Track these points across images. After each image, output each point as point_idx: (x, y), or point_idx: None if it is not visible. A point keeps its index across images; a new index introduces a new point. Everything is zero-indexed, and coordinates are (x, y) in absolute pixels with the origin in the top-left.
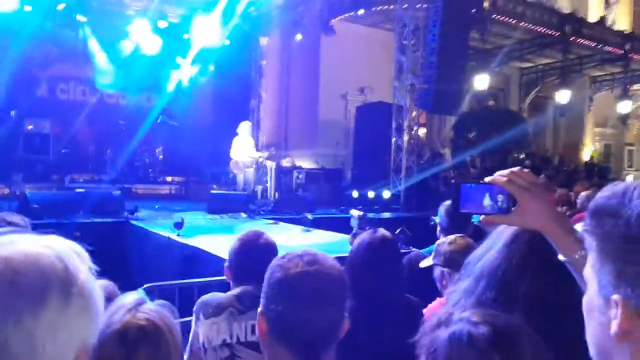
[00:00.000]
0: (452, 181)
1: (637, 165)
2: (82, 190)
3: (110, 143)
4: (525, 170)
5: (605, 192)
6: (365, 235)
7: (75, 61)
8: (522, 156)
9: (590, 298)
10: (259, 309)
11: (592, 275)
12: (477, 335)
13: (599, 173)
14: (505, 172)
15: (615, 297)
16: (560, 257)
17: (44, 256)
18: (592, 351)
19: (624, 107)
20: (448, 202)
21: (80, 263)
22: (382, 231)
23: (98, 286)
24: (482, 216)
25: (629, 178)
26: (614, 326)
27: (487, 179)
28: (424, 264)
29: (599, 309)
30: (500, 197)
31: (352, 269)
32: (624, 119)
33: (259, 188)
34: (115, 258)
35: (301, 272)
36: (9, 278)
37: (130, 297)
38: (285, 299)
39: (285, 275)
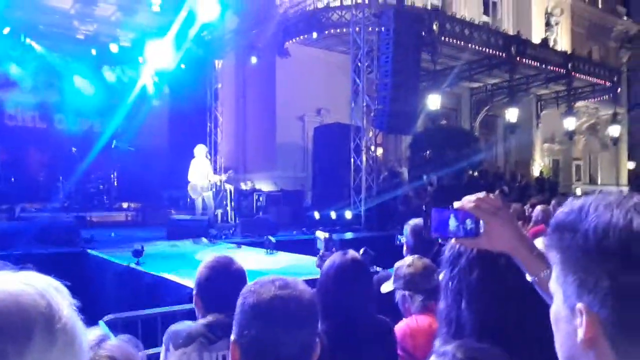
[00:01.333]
0: (423, 207)
1: (585, 179)
2: (35, 219)
3: (61, 170)
4: (491, 195)
5: (564, 209)
6: (335, 258)
7: (22, 86)
8: (476, 173)
9: (557, 309)
10: (232, 338)
11: (557, 287)
12: None
13: (550, 187)
14: (473, 197)
15: (579, 305)
16: (528, 276)
17: (25, 294)
18: None
19: (570, 123)
20: (413, 222)
21: (62, 299)
22: (351, 253)
23: (80, 322)
24: (453, 239)
25: (578, 191)
26: (580, 334)
27: (456, 205)
28: (384, 289)
29: (566, 319)
30: (468, 222)
31: (323, 291)
32: (570, 134)
33: (219, 212)
34: (72, 289)
35: (273, 296)
36: None
37: (92, 334)
38: (258, 323)
39: (258, 300)
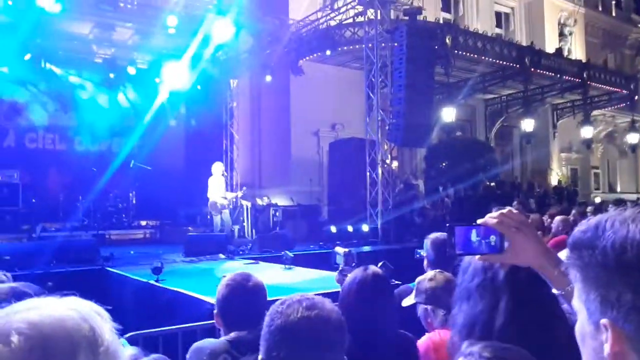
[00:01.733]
0: (447, 225)
1: (604, 188)
2: (55, 238)
3: (81, 190)
4: (514, 211)
5: (581, 227)
6: (356, 273)
7: (43, 110)
8: (492, 184)
9: (582, 326)
10: (260, 357)
11: (580, 305)
12: None
13: (568, 197)
14: (496, 213)
15: (603, 321)
16: (554, 290)
17: (70, 319)
18: None
19: (587, 132)
20: (433, 235)
21: (104, 323)
22: (372, 268)
23: (121, 345)
24: (478, 256)
25: (598, 200)
26: (607, 349)
27: (479, 221)
28: (405, 302)
29: (591, 335)
30: (492, 238)
31: (345, 307)
32: (587, 143)
33: (236, 228)
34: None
35: (301, 317)
36: (41, 344)
37: (125, 353)
38: (287, 345)
39: (286, 321)
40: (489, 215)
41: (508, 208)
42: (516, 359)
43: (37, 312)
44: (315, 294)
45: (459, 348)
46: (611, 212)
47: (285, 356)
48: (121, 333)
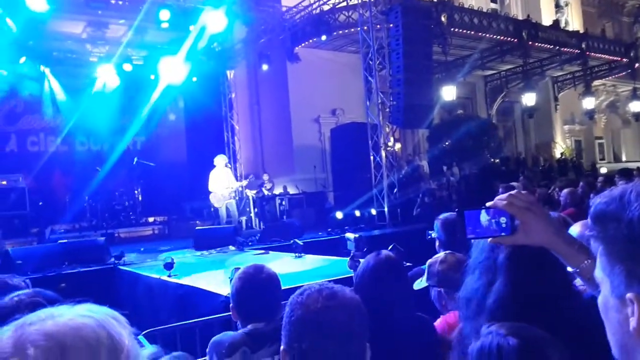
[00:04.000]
0: (456, 209)
1: (609, 158)
2: (64, 240)
3: (86, 190)
4: (523, 192)
5: (604, 198)
6: (369, 259)
7: (43, 112)
8: (497, 160)
9: (605, 299)
10: (282, 347)
11: (604, 278)
12: (506, 347)
13: (573, 168)
14: (504, 196)
15: (629, 295)
16: (569, 268)
17: (87, 327)
18: (614, 350)
19: (589, 103)
20: (443, 216)
21: (122, 328)
22: (385, 252)
23: (140, 349)
24: (490, 239)
25: (603, 170)
26: (633, 323)
27: (488, 204)
28: (417, 286)
29: (615, 309)
30: (502, 220)
31: (360, 293)
32: (590, 114)
33: (243, 219)
34: (107, 306)
35: (322, 307)
36: (59, 355)
37: (144, 352)
38: (309, 336)
39: (306, 312)
40: (497, 197)
41: (516, 190)
42: (530, 336)
43: (53, 322)
44: (329, 281)
45: (461, 318)
46: (635, 182)
47: (307, 347)
48: (138, 331)
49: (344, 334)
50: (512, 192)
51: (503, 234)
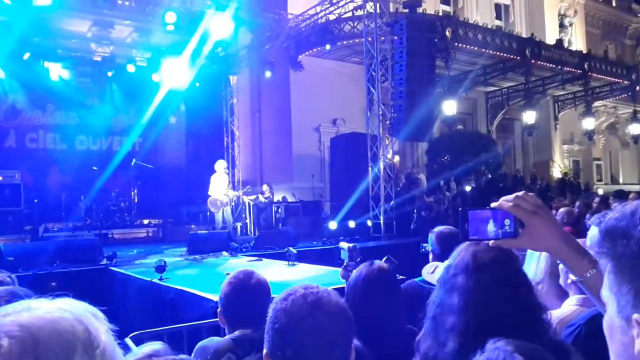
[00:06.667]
0: (460, 209)
1: (606, 179)
2: (57, 238)
3: (83, 189)
4: (530, 194)
5: (615, 214)
6: (361, 269)
7: (43, 109)
8: (495, 177)
9: (611, 319)
10: (264, 351)
11: (610, 296)
12: None
13: (571, 188)
14: (510, 197)
15: (635, 316)
16: (571, 277)
17: (64, 320)
18: None
19: (588, 123)
20: (438, 229)
21: (100, 324)
22: (378, 263)
23: (118, 346)
24: (492, 241)
25: (600, 191)
26: (638, 346)
27: (492, 205)
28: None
29: (621, 330)
30: (507, 222)
31: (351, 303)
32: (589, 134)
33: (238, 225)
34: (95, 306)
35: (306, 315)
36: (33, 347)
37: (148, 348)
38: (293, 344)
39: (290, 320)
40: (503, 198)
41: (523, 191)
42: (533, 353)
43: (29, 314)
44: None
45: (424, 331)
46: None
47: (291, 354)
48: (126, 332)
49: (329, 341)
50: (519, 193)
51: (506, 237)
